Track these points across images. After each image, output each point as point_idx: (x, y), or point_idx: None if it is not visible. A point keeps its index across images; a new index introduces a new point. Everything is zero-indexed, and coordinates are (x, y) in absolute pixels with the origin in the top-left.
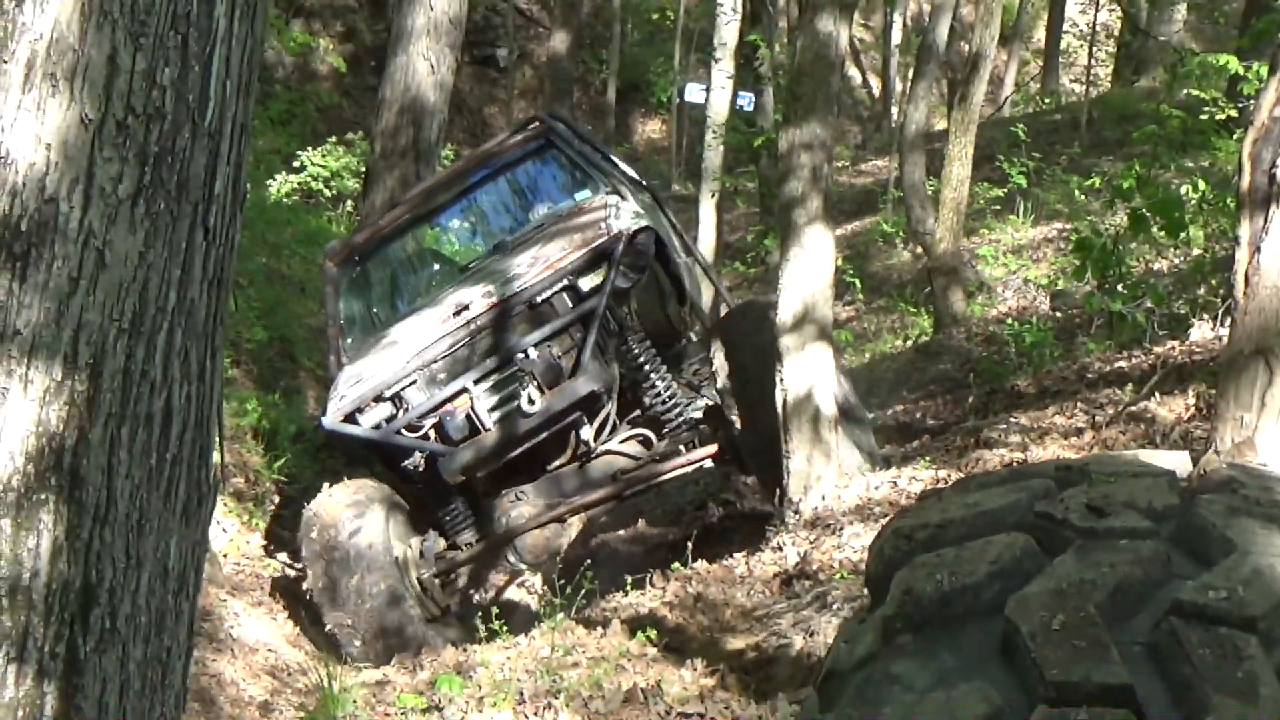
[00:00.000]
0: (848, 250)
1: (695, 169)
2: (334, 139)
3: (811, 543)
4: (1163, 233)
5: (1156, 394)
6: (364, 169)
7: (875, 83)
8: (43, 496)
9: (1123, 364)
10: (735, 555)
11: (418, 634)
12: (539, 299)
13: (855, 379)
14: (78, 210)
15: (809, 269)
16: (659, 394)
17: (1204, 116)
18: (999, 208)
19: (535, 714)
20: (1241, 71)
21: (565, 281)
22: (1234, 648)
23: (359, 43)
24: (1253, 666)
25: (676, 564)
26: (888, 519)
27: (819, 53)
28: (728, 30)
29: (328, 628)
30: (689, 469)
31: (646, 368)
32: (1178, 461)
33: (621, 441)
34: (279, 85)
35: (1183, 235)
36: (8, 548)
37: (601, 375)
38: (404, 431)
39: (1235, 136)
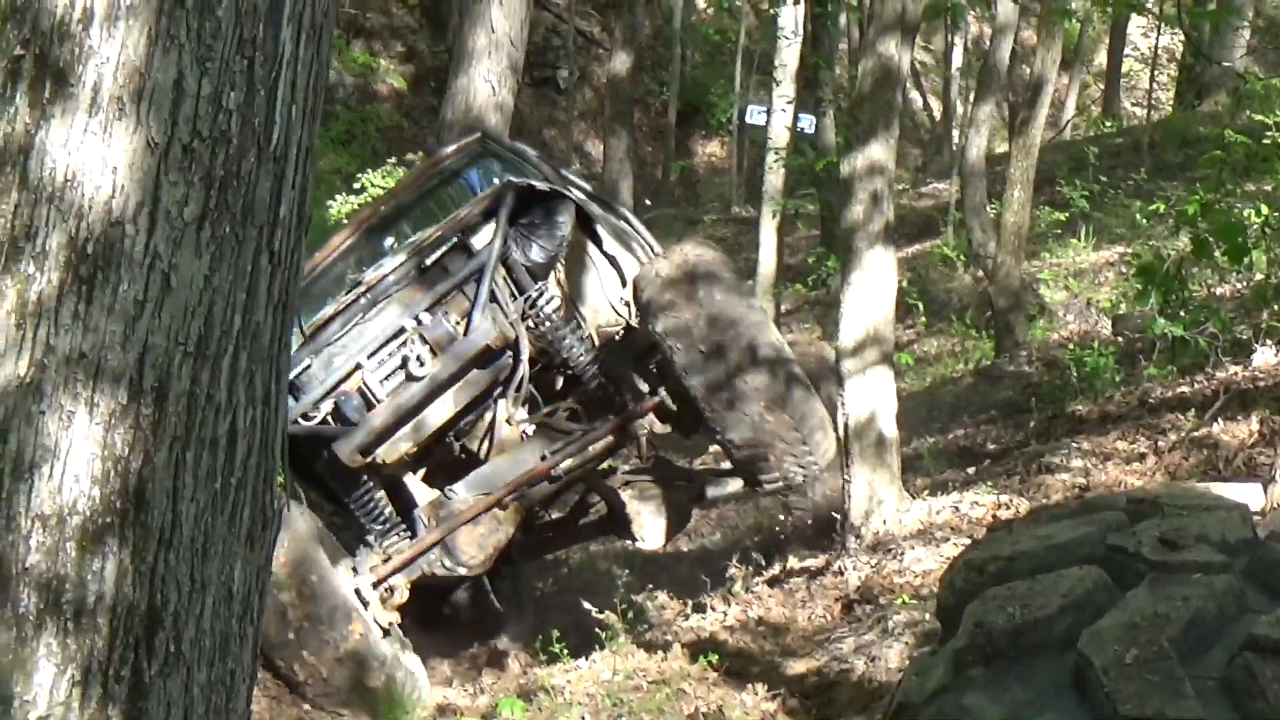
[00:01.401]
0: (909, 273)
1: (756, 191)
2: (394, 160)
3: (873, 567)
4: (1226, 257)
5: (1219, 420)
6: None
7: (936, 106)
8: (108, 520)
9: (1185, 389)
10: (796, 578)
11: (380, 657)
12: (428, 261)
13: (917, 403)
14: (143, 234)
15: (870, 292)
16: (576, 353)
17: (1267, 141)
18: (1060, 232)
19: None
20: None
21: (455, 239)
22: None
23: (420, 63)
24: None
25: (738, 586)
26: (959, 551)
27: (881, 76)
28: (789, 53)
29: (298, 676)
30: (627, 434)
31: (559, 333)
32: (1250, 494)
33: (546, 416)
34: (340, 105)
35: (1246, 260)
36: (73, 571)
37: (495, 330)
38: (300, 420)
39: None
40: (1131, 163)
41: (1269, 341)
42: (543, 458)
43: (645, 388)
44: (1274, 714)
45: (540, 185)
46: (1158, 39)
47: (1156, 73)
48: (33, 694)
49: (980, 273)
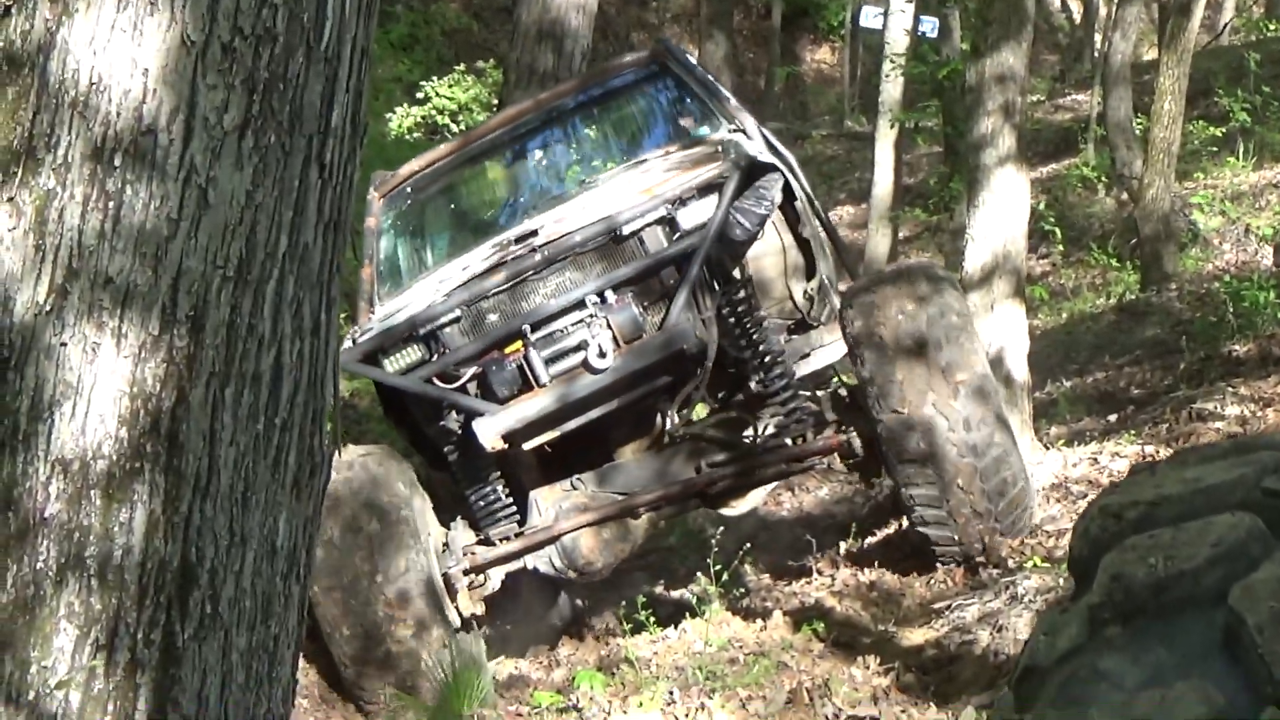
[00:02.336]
0: (1043, 195)
1: (871, 103)
2: (462, 67)
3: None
4: None
5: None
6: (496, 101)
7: (1076, 6)
8: (138, 465)
9: None
10: (911, 540)
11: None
12: (626, 230)
13: (1052, 343)
14: (178, 143)
15: (1000, 217)
16: (769, 370)
17: None
18: (1217, 149)
19: (686, 716)
20: None
21: (663, 211)
22: None
23: None
24: None
25: (846, 546)
26: (1094, 497)
27: None
28: None
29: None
30: (798, 468)
31: (755, 336)
32: None
33: (712, 426)
34: (401, 6)
35: None
36: (99, 522)
37: (695, 333)
38: (436, 381)
39: None
40: None
41: None
42: (697, 469)
43: (830, 414)
44: None
45: (762, 157)
46: None
47: None
48: (52, 659)
49: (1125, 195)
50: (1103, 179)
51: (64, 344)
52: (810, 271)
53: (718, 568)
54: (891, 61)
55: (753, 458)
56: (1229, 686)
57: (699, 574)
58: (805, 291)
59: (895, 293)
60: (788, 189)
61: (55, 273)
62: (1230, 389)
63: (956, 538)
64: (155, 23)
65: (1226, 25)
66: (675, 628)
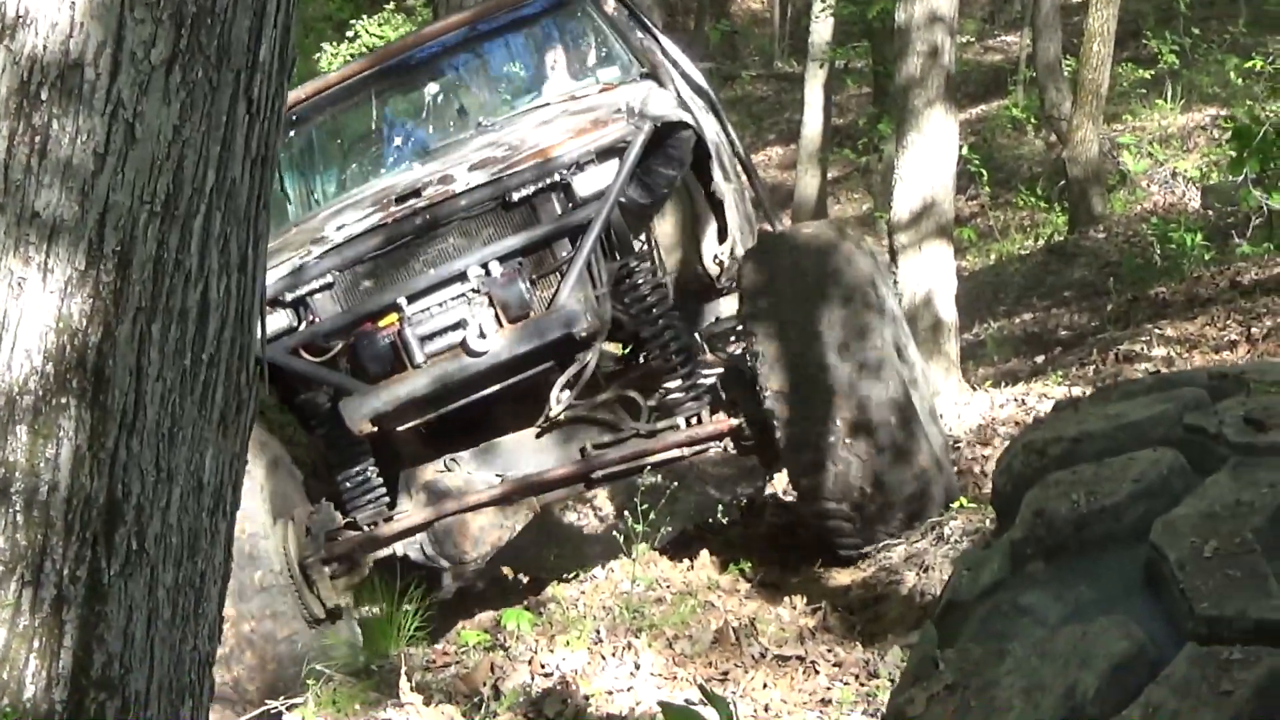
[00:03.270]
0: (972, 137)
1: (801, 44)
2: (392, 5)
3: None
4: None
5: None
6: None
7: None
8: (63, 400)
9: None
10: None
11: (300, 652)
12: (517, 196)
13: (980, 284)
14: (105, 78)
15: (929, 158)
16: (666, 348)
17: None
18: (1145, 91)
19: (613, 654)
20: None
21: (557, 176)
22: None
23: None
24: None
25: (774, 488)
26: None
27: None
28: None
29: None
30: (687, 451)
31: (654, 311)
32: None
33: (598, 405)
34: None
35: None
36: (24, 458)
37: (588, 314)
38: (303, 352)
39: None
40: (1227, 13)
41: None
42: (582, 451)
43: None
44: None
45: (671, 114)
46: None
47: None
48: None
49: (1053, 137)
50: (1032, 120)
51: None
52: (722, 234)
53: (644, 507)
54: (821, 1)
55: (640, 441)
56: (1150, 622)
57: (625, 513)
58: (715, 256)
59: (793, 255)
60: (700, 145)
61: None
62: (1157, 330)
63: (854, 533)
64: None
65: None
66: (602, 568)
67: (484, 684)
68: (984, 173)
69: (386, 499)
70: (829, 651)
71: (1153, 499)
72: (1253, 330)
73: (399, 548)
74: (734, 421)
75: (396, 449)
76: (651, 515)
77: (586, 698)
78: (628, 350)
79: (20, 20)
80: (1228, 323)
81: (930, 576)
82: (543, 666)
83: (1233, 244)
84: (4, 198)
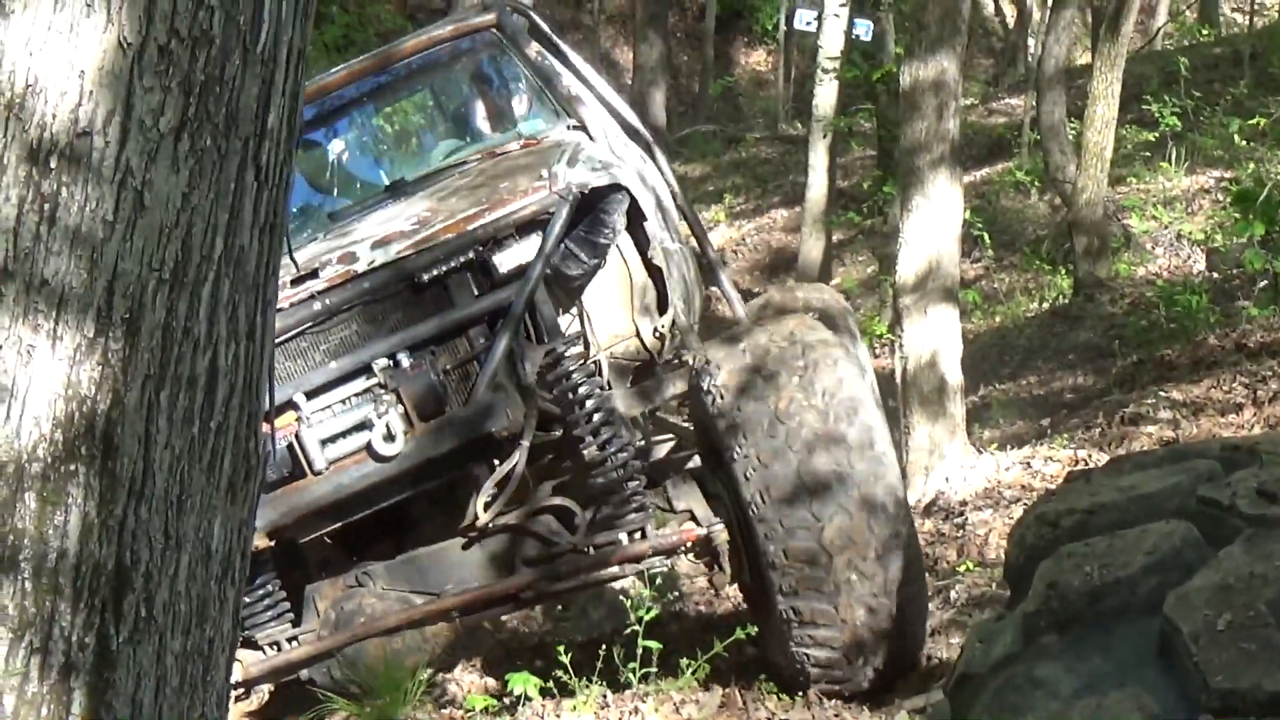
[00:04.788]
0: (976, 200)
1: (805, 107)
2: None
3: (932, 530)
4: None
5: None
6: None
7: (1010, 10)
8: (72, 468)
9: None
10: None
11: None
12: (427, 276)
13: (984, 347)
14: (114, 146)
15: (933, 221)
16: (603, 450)
17: None
18: (1149, 154)
19: (620, 718)
20: None
21: (473, 253)
22: None
23: None
24: None
25: None
26: (1030, 504)
27: None
28: None
29: None
30: (629, 569)
31: (589, 405)
32: None
33: (532, 514)
34: (335, 7)
35: None
36: (33, 525)
37: (508, 411)
38: None
39: None
40: (1231, 76)
41: None
42: (512, 567)
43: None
44: None
45: (599, 179)
46: None
47: None
48: None
49: (1058, 200)
50: (1036, 183)
51: (1, 345)
52: (662, 305)
53: (652, 573)
54: (825, 66)
55: (577, 559)
56: (1164, 695)
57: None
58: (655, 329)
59: (760, 347)
60: (635, 209)
61: None
62: (1162, 393)
63: (841, 668)
64: (92, 25)
65: (1160, 30)
66: (609, 630)
67: None
68: (988, 235)
69: (290, 615)
70: (835, 716)
71: (1166, 571)
72: (1259, 393)
73: (305, 673)
74: (700, 531)
75: (302, 558)
76: (659, 580)
77: None
78: (559, 436)
79: (30, 89)
80: (1234, 386)
81: (937, 640)
82: None
83: (1238, 306)
84: (13, 265)
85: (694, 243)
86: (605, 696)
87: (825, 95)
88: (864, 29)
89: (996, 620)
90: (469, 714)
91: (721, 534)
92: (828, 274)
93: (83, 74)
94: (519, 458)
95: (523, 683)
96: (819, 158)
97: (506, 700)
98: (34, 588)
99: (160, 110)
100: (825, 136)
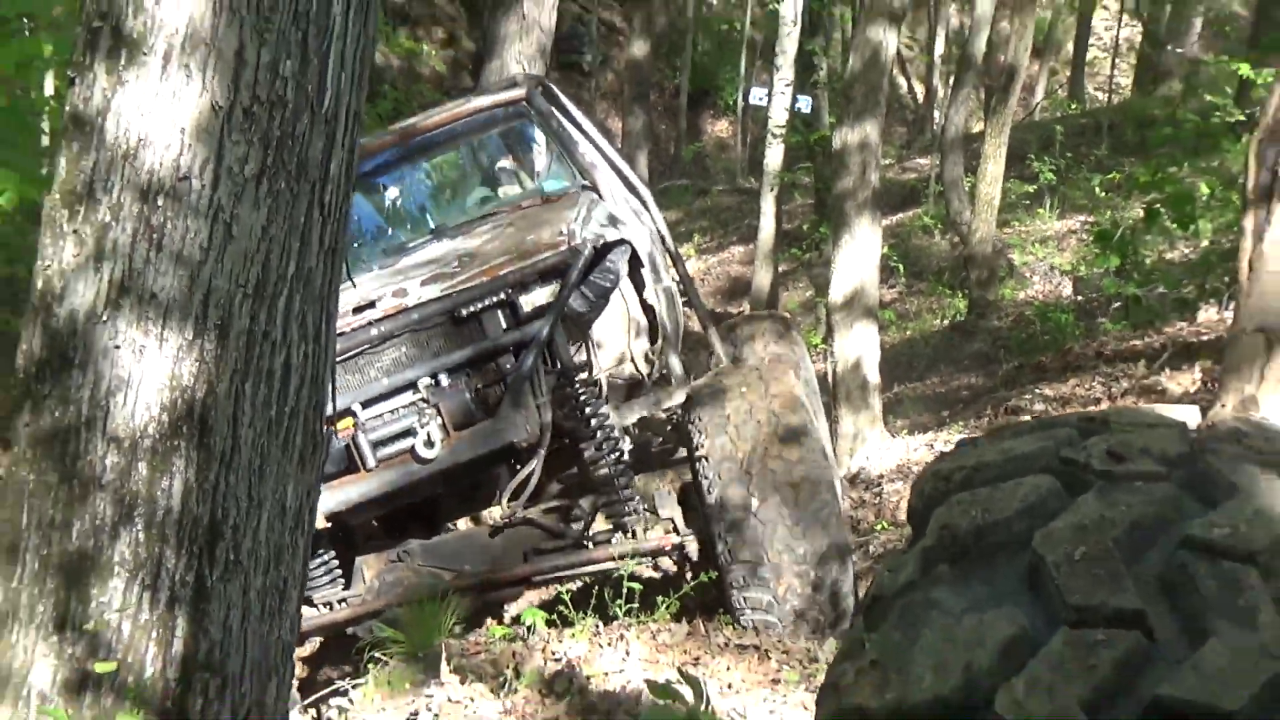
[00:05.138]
0: (892, 239)
1: (758, 165)
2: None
3: (856, 499)
4: (1175, 225)
5: (1166, 369)
6: None
7: (919, 89)
8: (175, 443)
9: (1137, 342)
10: None
11: None
12: (465, 311)
13: (898, 355)
14: (208, 188)
15: (858, 255)
16: (604, 456)
17: (1215, 120)
18: (1029, 202)
19: (609, 644)
20: (1253, 76)
21: (503, 294)
22: (1236, 579)
23: (459, 48)
24: (1253, 596)
25: None
26: (928, 463)
27: (870, 60)
28: (788, 40)
29: None
30: (628, 563)
31: (592, 423)
32: (1189, 415)
33: (544, 511)
34: (387, 86)
35: (1193, 228)
36: (144, 488)
37: (528, 425)
38: None
39: (1243, 139)
40: (1093, 141)
41: (1211, 300)
42: (524, 555)
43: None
44: (1205, 606)
45: (608, 233)
46: (1119, 30)
47: (1117, 60)
48: (108, 596)
49: (956, 239)
50: (939, 225)
51: (117, 347)
52: (653, 335)
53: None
54: (774, 133)
55: (579, 551)
56: (1032, 612)
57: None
58: (646, 355)
59: (740, 402)
60: (635, 258)
61: (110, 290)
62: (1037, 391)
63: (774, 627)
64: (190, 91)
65: (1038, 104)
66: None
67: (507, 667)
68: (901, 266)
69: (342, 581)
70: (778, 642)
71: (1035, 515)
72: (1112, 389)
73: (351, 629)
74: (675, 539)
75: (353, 536)
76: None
77: (588, 678)
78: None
79: (141, 142)
80: (1093, 384)
81: (861, 585)
82: (553, 653)
83: (1098, 323)
84: (128, 282)
85: (677, 272)
86: (597, 627)
87: (774, 156)
88: (804, 103)
89: (901, 555)
90: (490, 640)
91: (693, 543)
92: (775, 298)
93: (183, 130)
94: (535, 464)
95: (532, 615)
96: (768, 205)
97: (520, 630)
98: (145, 538)
99: (245, 159)
100: (773, 189)
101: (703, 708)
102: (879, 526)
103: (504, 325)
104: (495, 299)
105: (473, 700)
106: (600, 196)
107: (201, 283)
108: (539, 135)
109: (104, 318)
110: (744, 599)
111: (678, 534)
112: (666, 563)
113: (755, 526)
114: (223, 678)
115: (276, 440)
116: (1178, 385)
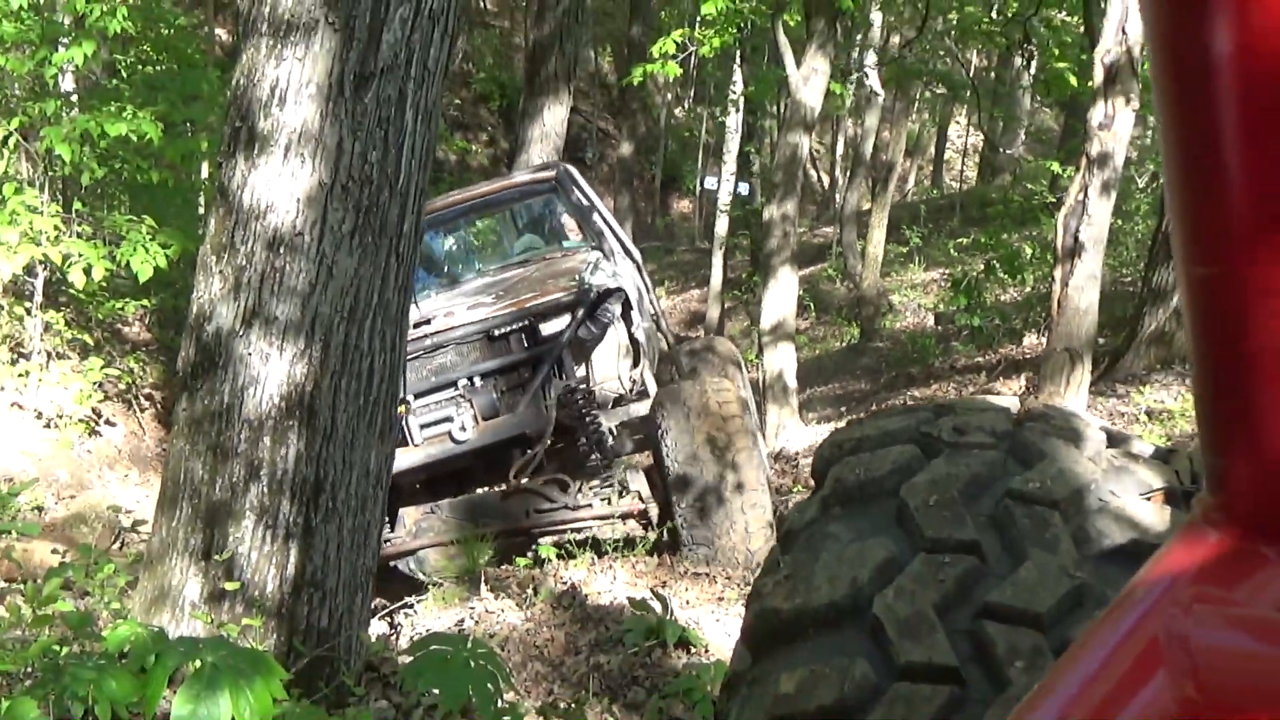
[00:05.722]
0: (806, 285)
1: (710, 232)
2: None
3: (778, 470)
4: (1007, 275)
5: (1001, 378)
6: None
7: (825, 178)
8: (290, 424)
9: (979, 359)
10: None
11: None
12: (497, 332)
13: (809, 367)
14: (315, 241)
15: (781, 296)
16: (594, 446)
17: (1034, 201)
18: (903, 259)
19: (602, 572)
20: (1060, 170)
21: (527, 321)
22: (1045, 519)
23: (497, 148)
24: (1056, 532)
25: None
26: (828, 435)
27: (790, 157)
28: (732, 143)
29: None
30: (602, 523)
31: (586, 420)
32: (1011, 403)
33: (544, 482)
34: (445, 174)
35: (1019, 277)
36: (267, 455)
37: (537, 420)
38: None
39: (1054, 215)
40: (948, 216)
41: (1032, 330)
42: (527, 513)
43: (635, 485)
44: (1022, 537)
45: (611, 283)
46: (967, 137)
47: (966, 158)
48: (240, 533)
49: (851, 285)
50: (839, 276)
51: (250, 354)
52: (636, 361)
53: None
54: (721, 209)
55: (568, 512)
56: (900, 541)
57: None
58: (630, 377)
59: (690, 397)
60: (626, 303)
61: (244, 314)
62: (910, 393)
63: (725, 568)
64: (304, 172)
65: (909, 190)
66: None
67: (528, 587)
68: (812, 304)
69: (388, 525)
70: (724, 570)
71: (902, 473)
72: (963, 393)
73: (393, 564)
74: (642, 505)
75: (399, 492)
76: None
77: (586, 596)
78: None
79: (268, 208)
80: (949, 389)
81: (782, 527)
82: (561, 578)
83: (952, 345)
84: (259, 309)
85: (655, 310)
86: (593, 560)
87: (721, 225)
88: (744, 188)
89: (806, 500)
90: (516, 569)
91: (654, 509)
92: (723, 327)
93: (298, 200)
94: (539, 449)
95: (546, 551)
96: (717, 261)
97: (537, 560)
98: (268, 491)
99: (342, 221)
100: (721, 249)
101: (668, 617)
102: (795, 489)
103: (525, 345)
104: (520, 325)
105: (503, 611)
106: (605, 255)
107: (310, 309)
108: (562, 208)
109: (240, 333)
110: (692, 538)
111: (643, 502)
112: (634, 525)
113: (702, 491)
114: (323, 592)
115: (364, 421)
116: (1009, 390)
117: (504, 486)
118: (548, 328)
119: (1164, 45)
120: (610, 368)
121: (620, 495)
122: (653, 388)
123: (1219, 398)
